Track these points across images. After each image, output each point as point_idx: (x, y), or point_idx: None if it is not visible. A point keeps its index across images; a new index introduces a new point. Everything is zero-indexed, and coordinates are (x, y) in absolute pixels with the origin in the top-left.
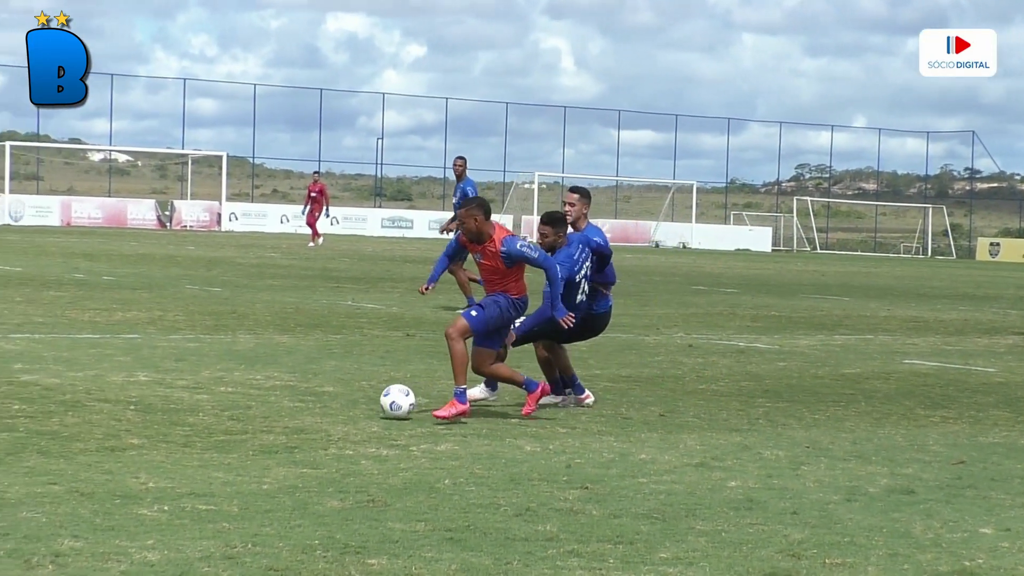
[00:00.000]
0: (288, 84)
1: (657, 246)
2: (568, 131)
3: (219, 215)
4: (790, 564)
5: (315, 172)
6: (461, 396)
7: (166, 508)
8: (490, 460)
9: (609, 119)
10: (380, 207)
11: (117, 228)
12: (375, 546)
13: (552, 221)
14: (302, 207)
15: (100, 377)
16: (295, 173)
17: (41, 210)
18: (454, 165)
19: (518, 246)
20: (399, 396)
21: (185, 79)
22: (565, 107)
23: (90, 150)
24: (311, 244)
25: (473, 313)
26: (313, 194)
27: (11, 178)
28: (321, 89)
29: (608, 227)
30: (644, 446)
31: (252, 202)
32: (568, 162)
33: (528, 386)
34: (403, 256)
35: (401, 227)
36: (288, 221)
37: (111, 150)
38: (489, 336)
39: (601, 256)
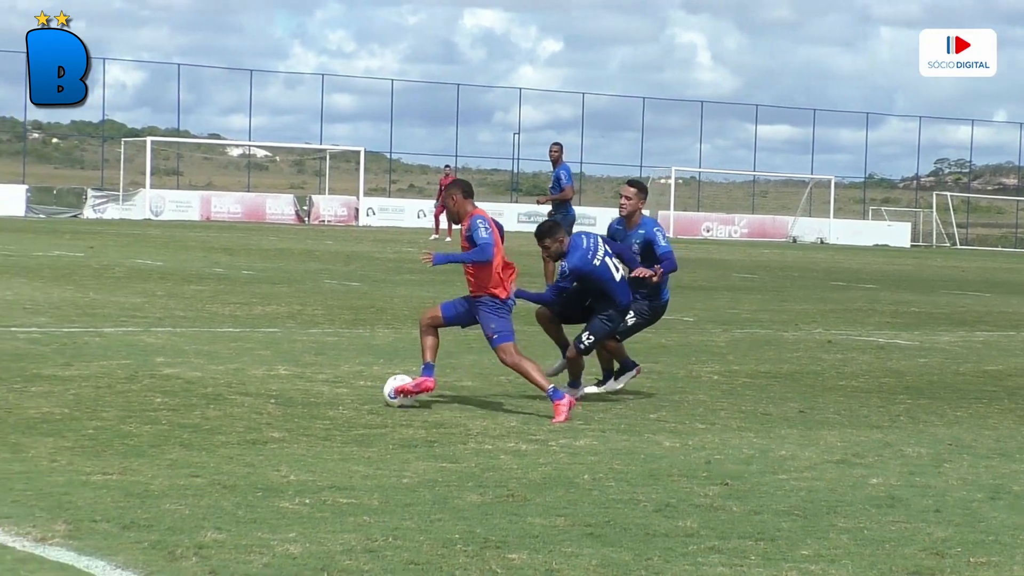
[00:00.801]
0: (425, 79)
1: (795, 241)
2: (705, 126)
3: (356, 210)
4: (934, 562)
5: (446, 166)
6: (555, 394)
7: (307, 501)
8: (629, 455)
9: (746, 114)
10: (516, 202)
11: (256, 223)
12: (515, 541)
13: (541, 235)
14: (435, 201)
15: (241, 371)
16: (432, 168)
17: (181, 205)
18: (550, 151)
19: (477, 223)
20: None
21: (323, 75)
22: (702, 102)
23: (229, 145)
24: (434, 236)
25: (495, 336)
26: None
27: (152, 173)
28: (458, 84)
29: (745, 222)
30: (784, 442)
31: (389, 197)
32: (705, 157)
33: (554, 395)
34: (538, 250)
35: (537, 221)
36: (425, 216)
37: (250, 145)
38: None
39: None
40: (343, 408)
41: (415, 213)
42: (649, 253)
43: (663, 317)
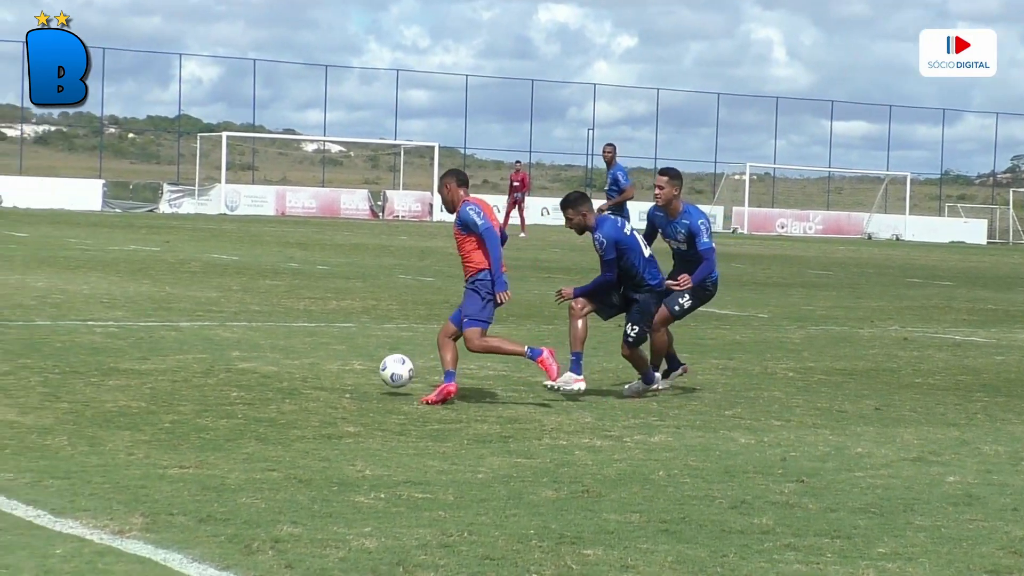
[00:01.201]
0: (499, 75)
1: (870, 238)
2: (780, 122)
3: (431, 205)
4: (1012, 561)
5: (517, 162)
6: (534, 353)
7: (383, 496)
8: (704, 452)
9: (821, 110)
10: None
11: (330, 218)
12: (590, 537)
13: (565, 204)
14: (507, 197)
15: (316, 365)
16: (505, 164)
17: (256, 200)
18: (603, 152)
19: (468, 210)
20: (397, 366)
21: (398, 70)
22: (777, 98)
23: (304, 141)
24: (523, 235)
25: (466, 320)
26: (515, 183)
27: (227, 168)
28: (532, 80)
29: (820, 219)
30: (860, 440)
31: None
32: (779, 153)
33: (532, 353)
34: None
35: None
36: (499, 211)
37: (325, 141)
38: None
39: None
40: (418, 403)
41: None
42: (693, 244)
43: (735, 317)
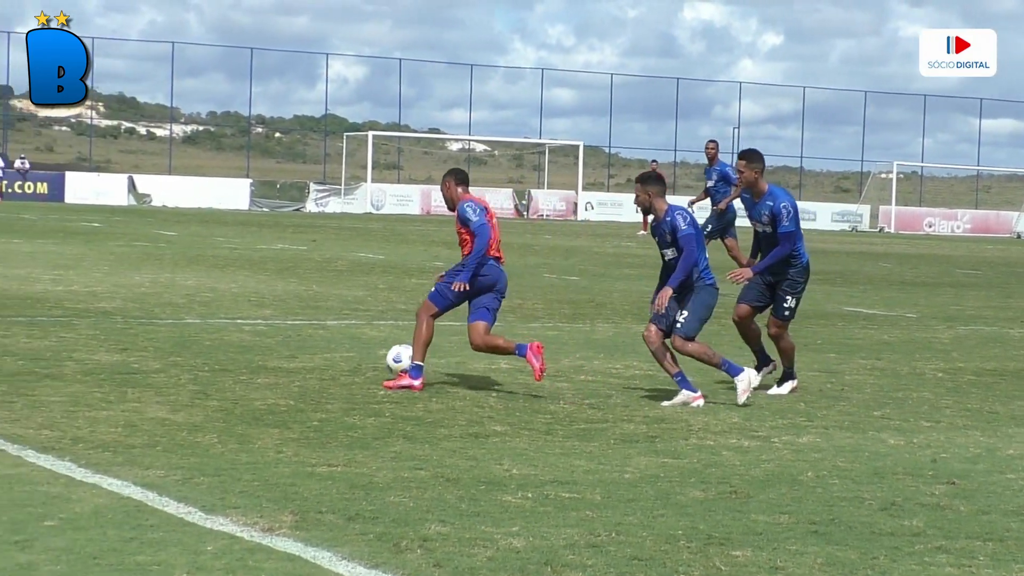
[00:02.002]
0: (644, 74)
1: (1019, 237)
2: (928, 120)
3: (575, 204)
4: None
5: (652, 161)
6: (520, 350)
7: (530, 495)
8: (853, 453)
9: (970, 107)
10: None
11: None
12: (739, 538)
13: (638, 180)
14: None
15: (462, 364)
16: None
17: (401, 199)
18: (706, 148)
19: (465, 207)
20: (402, 350)
21: (543, 69)
22: (925, 95)
23: (449, 140)
24: (640, 233)
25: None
26: None
27: (372, 167)
28: (677, 78)
29: (968, 217)
30: (1012, 441)
31: (607, 192)
32: (927, 151)
33: (519, 350)
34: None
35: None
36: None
37: (469, 140)
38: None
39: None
40: (564, 402)
41: (634, 208)
42: (776, 227)
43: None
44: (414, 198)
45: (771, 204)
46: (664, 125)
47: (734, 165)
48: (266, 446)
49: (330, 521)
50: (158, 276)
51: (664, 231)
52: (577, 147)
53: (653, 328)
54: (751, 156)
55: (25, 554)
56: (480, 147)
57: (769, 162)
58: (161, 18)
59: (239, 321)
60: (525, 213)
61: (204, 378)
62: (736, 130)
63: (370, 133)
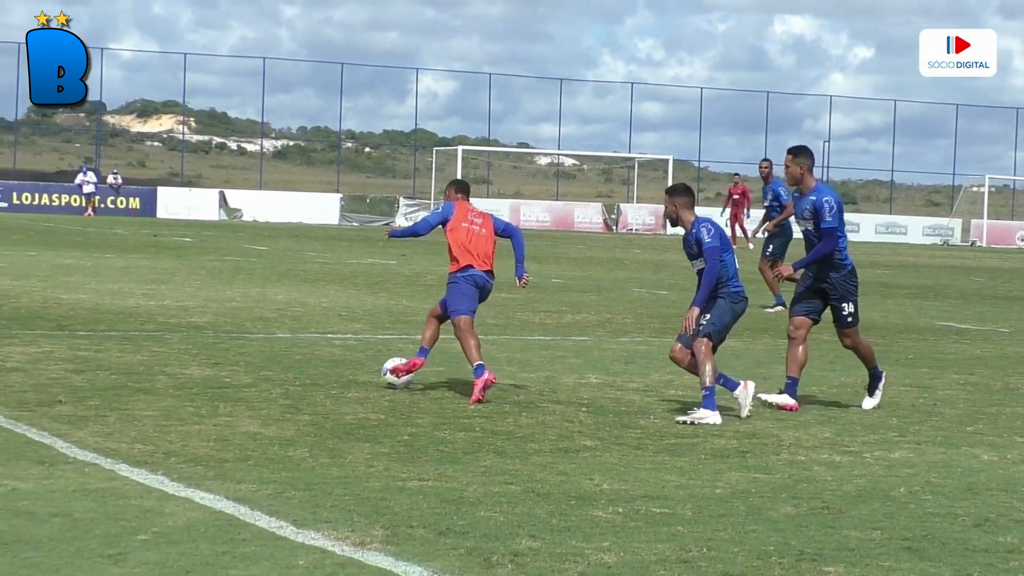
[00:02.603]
0: (734, 87)
1: None
2: (1020, 133)
3: (664, 218)
4: None
5: (735, 175)
6: (477, 371)
7: (620, 510)
8: (946, 469)
9: None
10: None
11: (564, 231)
12: (831, 554)
13: (667, 191)
14: (721, 209)
15: (552, 379)
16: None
17: (492, 212)
18: (760, 167)
19: (440, 207)
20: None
21: (632, 83)
22: (1017, 108)
23: (538, 154)
24: (750, 246)
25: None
26: (735, 196)
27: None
28: (767, 92)
29: None
30: None
31: (697, 205)
32: (1020, 165)
33: (476, 371)
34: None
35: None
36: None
37: (559, 154)
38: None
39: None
40: (654, 417)
41: (723, 222)
42: (818, 224)
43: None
44: (503, 212)
45: (814, 199)
46: (753, 139)
47: (784, 161)
48: (357, 460)
49: (421, 535)
50: (249, 291)
51: (691, 243)
52: (666, 161)
53: (678, 346)
54: (797, 151)
55: (118, 567)
56: (569, 161)
57: (859, 176)
58: (252, 34)
59: (329, 335)
60: (614, 227)
61: (295, 392)
62: (826, 144)
63: (459, 148)
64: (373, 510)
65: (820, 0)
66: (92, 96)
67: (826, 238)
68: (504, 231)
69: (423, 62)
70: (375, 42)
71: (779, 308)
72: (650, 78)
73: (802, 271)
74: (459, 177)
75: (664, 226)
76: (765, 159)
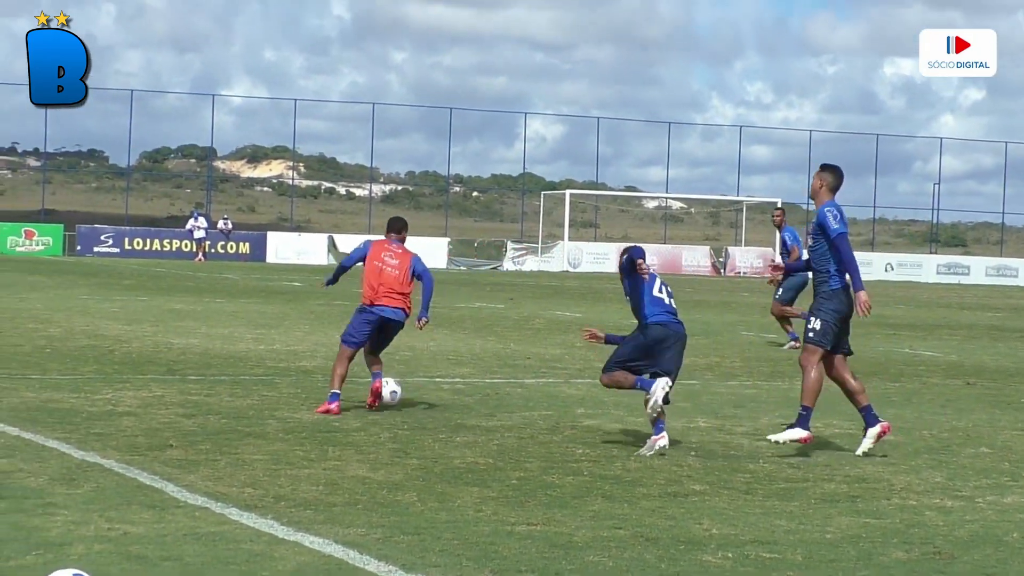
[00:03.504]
0: (843, 130)
1: None
2: None
3: (772, 261)
4: None
5: (778, 208)
6: (331, 398)
7: (730, 555)
8: None
9: None
10: (935, 253)
11: (672, 274)
12: None
13: (823, 166)
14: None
15: None
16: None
17: (598, 257)
18: (773, 216)
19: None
20: (393, 384)
21: (741, 126)
22: None
23: (645, 197)
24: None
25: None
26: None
27: (569, 225)
28: (877, 134)
29: None
30: None
31: (804, 248)
32: None
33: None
34: (959, 303)
35: (957, 273)
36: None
37: (666, 197)
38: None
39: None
40: (763, 461)
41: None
42: (822, 238)
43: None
44: (611, 256)
45: (818, 212)
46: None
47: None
48: (465, 504)
49: None
50: None
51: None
52: (774, 204)
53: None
54: (824, 167)
55: None
56: (677, 204)
57: (969, 218)
58: (363, 79)
59: (438, 379)
60: (722, 270)
61: (403, 436)
62: (936, 186)
63: (567, 192)
64: (482, 554)
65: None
66: (203, 142)
67: (841, 244)
68: (418, 273)
69: (532, 106)
70: (484, 87)
71: (793, 344)
72: (759, 121)
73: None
74: (567, 218)
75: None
76: (778, 208)
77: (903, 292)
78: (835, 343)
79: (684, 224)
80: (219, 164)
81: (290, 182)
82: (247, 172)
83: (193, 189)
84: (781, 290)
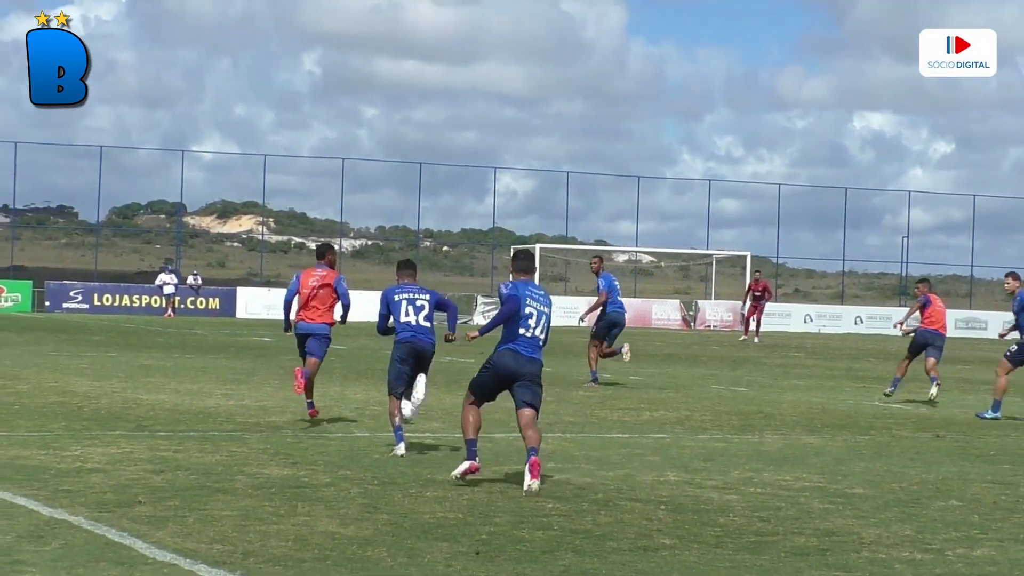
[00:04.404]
0: (812, 183)
1: None
2: None
3: (742, 315)
4: None
5: (756, 271)
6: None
7: None
8: None
9: None
10: (904, 305)
11: (641, 328)
12: None
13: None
14: (742, 303)
15: (630, 476)
16: (817, 272)
17: (568, 310)
18: (591, 263)
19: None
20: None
21: (710, 180)
22: None
23: (615, 251)
24: (742, 338)
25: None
26: (757, 292)
27: (540, 279)
28: (846, 188)
29: None
30: None
31: (776, 302)
32: None
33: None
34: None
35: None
36: (812, 320)
37: (636, 251)
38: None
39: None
40: (733, 515)
41: (801, 318)
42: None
43: None
44: (581, 309)
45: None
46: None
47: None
48: (435, 560)
49: None
50: (328, 390)
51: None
52: (744, 257)
53: None
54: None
55: None
56: (647, 258)
57: (938, 271)
58: (333, 134)
59: (407, 434)
60: (692, 324)
61: (374, 491)
62: (905, 239)
63: (537, 246)
64: None
65: (900, 96)
66: (173, 197)
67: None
68: (339, 292)
69: (502, 161)
70: (454, 141)
71: (593, 384)
72: (729, 175)
73: None
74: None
75: (741, 322)
76: (596, 256)
77: (872, 345)
78: None
79: (654, 278)
80: (189, 220)
81: (260, 237)
82: (217, 227)
83: (163, 245)
84: (596, 328)
